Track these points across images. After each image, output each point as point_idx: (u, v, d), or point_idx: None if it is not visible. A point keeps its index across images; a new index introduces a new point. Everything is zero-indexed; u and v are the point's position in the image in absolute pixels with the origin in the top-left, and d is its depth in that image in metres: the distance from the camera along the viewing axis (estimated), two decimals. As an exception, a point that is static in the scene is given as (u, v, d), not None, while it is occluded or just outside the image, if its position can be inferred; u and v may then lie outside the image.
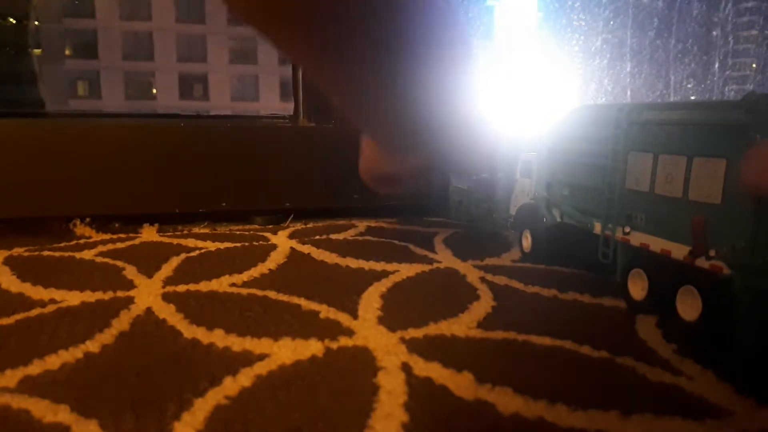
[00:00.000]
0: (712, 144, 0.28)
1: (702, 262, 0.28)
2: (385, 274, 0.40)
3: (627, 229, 0.34)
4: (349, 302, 0.34)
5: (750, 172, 0.24)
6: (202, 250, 0.47)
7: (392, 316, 0.32)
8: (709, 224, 0.27)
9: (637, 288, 0.33)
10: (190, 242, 0.50)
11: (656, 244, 0.31)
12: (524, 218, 0.46)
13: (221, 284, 0.38)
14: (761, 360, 0.26)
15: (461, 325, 0.31)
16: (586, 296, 0.36)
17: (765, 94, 0.25)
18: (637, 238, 0.33)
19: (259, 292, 0.36)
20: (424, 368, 0.26)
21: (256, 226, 0.59)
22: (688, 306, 0.29)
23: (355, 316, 0.32)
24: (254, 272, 0.40)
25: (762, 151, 0.24)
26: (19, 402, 0.23)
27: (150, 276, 0.39)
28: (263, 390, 0.24)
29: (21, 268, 0.41)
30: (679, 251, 0.29)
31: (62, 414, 0.22)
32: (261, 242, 0.50)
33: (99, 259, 0.44)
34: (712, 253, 0.27)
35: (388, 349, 0.28)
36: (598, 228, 0.36)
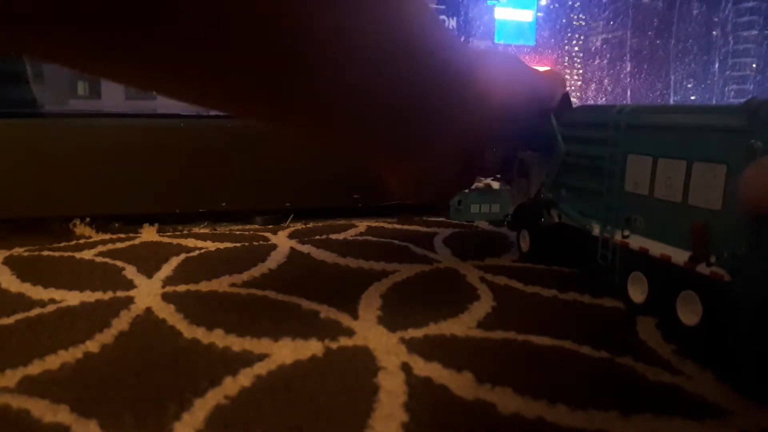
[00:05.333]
0: (712, 149, 0.27)
1: (703, 268, 0.27)
2: (385, 274, 0.40)
3: (626, 233, 0.33)
4: (349, 302, 0.34)
5: (748, 189, 0.23)
6: (202, 250, 0.47)
7: (392, 316, 0.32)
8: (709, 230, 0.27)
9: (637, 291, 0.33)
10: (190, 242, 0.50)
11: (656, 248, 0.31)
12: (522, 218, 0.46)
13: (221, 284, 0.38)
14: (762, 365, 0.26)
15: (461, 325, 0.31)
16: (586, 296, 0.36)
17: (766, 99, 0.25)
18: (636, 242, 0.33)
19: (259, 292, 0.36)
20: (424, 368, 0.26)
21: (256, 226, 0.59)
22: (689, 311, 0.29)
23: (355, 316, 0.32)
24: (254, 272, 0.40)
25: (759, 169, 0.23)
26: (18, 402, 0.23)
27: (150, 276, 0.39)
28: (263, 390, 0.24)
29: (21, 268, 0.41)
30: (679, 256, 0.29)
31: (62, 414, 0.22)
32: (261, 242, 0.50)
33: (99, 259, 0.44)
34: (712, 259, 0.27)
35: (388, 349, 0.28)
36: (596, 230, 0.36)
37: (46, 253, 0.46)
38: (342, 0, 0.22)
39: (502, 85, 0.34)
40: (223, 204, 0.60)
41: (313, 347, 0.28)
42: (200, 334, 0.29)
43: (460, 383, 0.24)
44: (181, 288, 0.37)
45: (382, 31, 0.25)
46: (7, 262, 0.43)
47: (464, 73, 0.32)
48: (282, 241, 0.50)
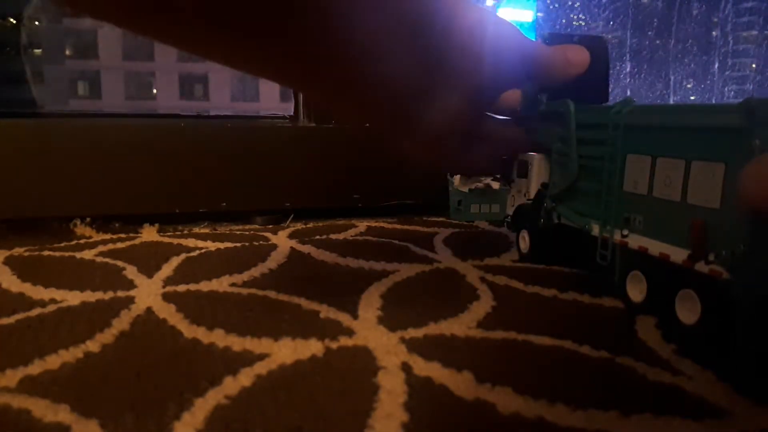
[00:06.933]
0: (710, 148, 0.28)
1: (701, 267, 0.28)
2: (385, 274, 0.40)
3: (625, 232, 0.34)
4: (349, 302, 0.34)
5: (748, 186, 0.24)
6: (203, 250, 0.47)
7: (392, 316, 0.32)
8: (708, 228, 0.27)
9: (636, 290, 0.33)
10: (191, 242, 0.50)
11: (655, 247, 0.31)
12: (521, 219, 0.46)
13: (221, 284, 0.38)
14: (761, 363, 0.26)
15: (461, 325, 0.31)
16: (586, 296, 0.36)
17: (763, 98, 0.25)
18: (635, 241, 0.33)
19: (259, 292, 0.36)
20: (424, 368, 0.26)
21: (256, 226, 0.59)
22: (688, 309, 0.29)
23: (355, 316, 0.32)
24: (254, 272, 0.40)
25: (760, 166, 0.24)
26: (19, 402, 0.23)
27: (150, 276, 0.39)
28: (263, 390, 0.24)
29: (21, 268, 0.41)
30: (677, 255, 0.29)
31: (62, 414, 0.22)
32: (261, 242, 0.50)
33: (99, 259, 0.44)
34: (711, 257, 0.27)
35: (388, 349, 0.28)
36: (596, 230, 0.36)
37: (46, 253, 0.46)
38: None
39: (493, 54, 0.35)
40: (224, 204, 0.60)
41: (313, 347, 0.28)
42: (200, 333, 0.29)
43: (460, 383, 0.24)
44: (182, 288, 0.37)
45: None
46: (8, 262, 0.43)
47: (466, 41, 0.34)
48: (282, 241, 0.50)
